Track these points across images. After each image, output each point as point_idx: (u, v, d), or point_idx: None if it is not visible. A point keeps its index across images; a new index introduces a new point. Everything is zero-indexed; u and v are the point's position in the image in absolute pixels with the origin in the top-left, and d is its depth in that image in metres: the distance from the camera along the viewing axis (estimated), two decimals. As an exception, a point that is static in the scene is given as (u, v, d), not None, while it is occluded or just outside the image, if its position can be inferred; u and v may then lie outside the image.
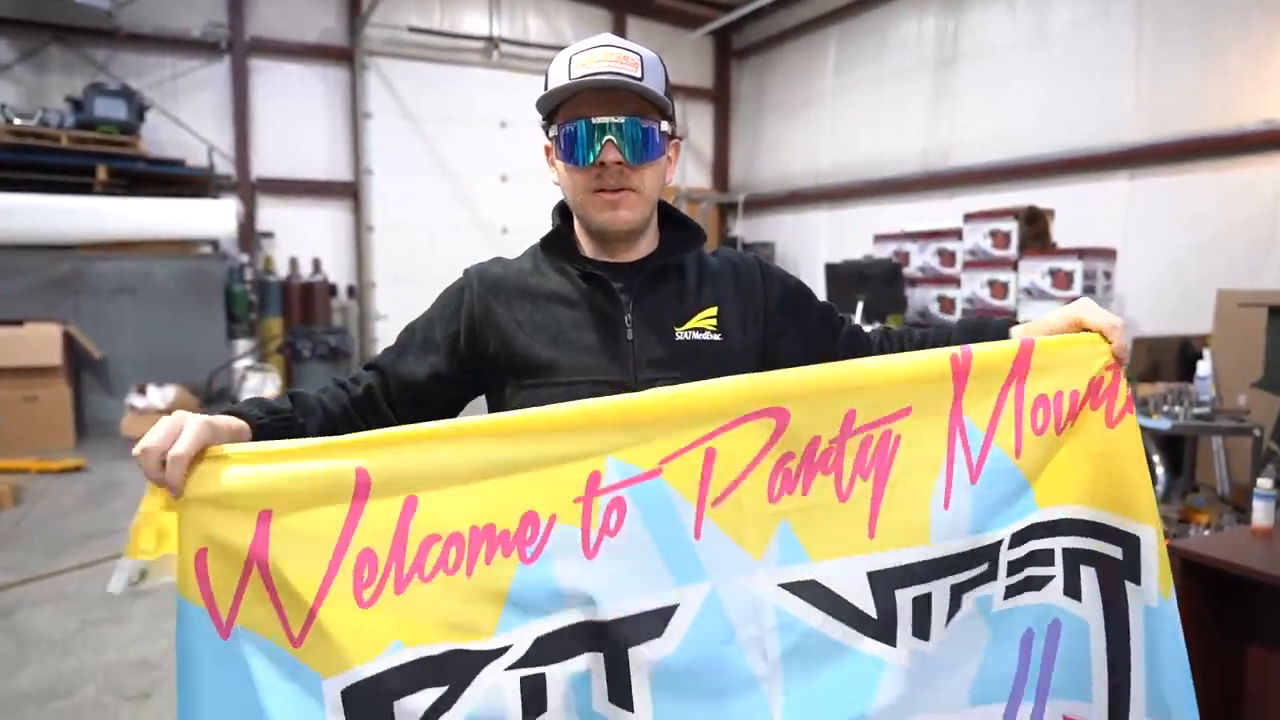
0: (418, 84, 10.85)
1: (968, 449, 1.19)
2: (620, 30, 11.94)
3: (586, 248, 1.41)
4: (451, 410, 1.43)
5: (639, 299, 1.35)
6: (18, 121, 8.32)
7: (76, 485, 6.43)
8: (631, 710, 1.06)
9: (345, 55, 10.55)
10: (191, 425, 1.05)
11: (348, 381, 1.37)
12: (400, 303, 10.85)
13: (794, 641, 1.10)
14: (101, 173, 8.40)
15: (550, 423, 1.08)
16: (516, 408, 1.25)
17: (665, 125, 1.34)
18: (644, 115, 1.30)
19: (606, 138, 1.26)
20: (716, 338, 1.36)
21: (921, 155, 9.55)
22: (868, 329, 1.55)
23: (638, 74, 1.28)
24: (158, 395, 7.52)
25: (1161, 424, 4.18)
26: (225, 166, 9.95)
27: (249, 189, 10.13)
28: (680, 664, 1.06)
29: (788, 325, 1.44)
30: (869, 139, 10.34)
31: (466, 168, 11.09)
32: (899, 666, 1.13)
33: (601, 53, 1.29)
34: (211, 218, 8.77)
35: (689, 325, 1.36)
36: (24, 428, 7.40)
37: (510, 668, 1.04)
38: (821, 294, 9.14)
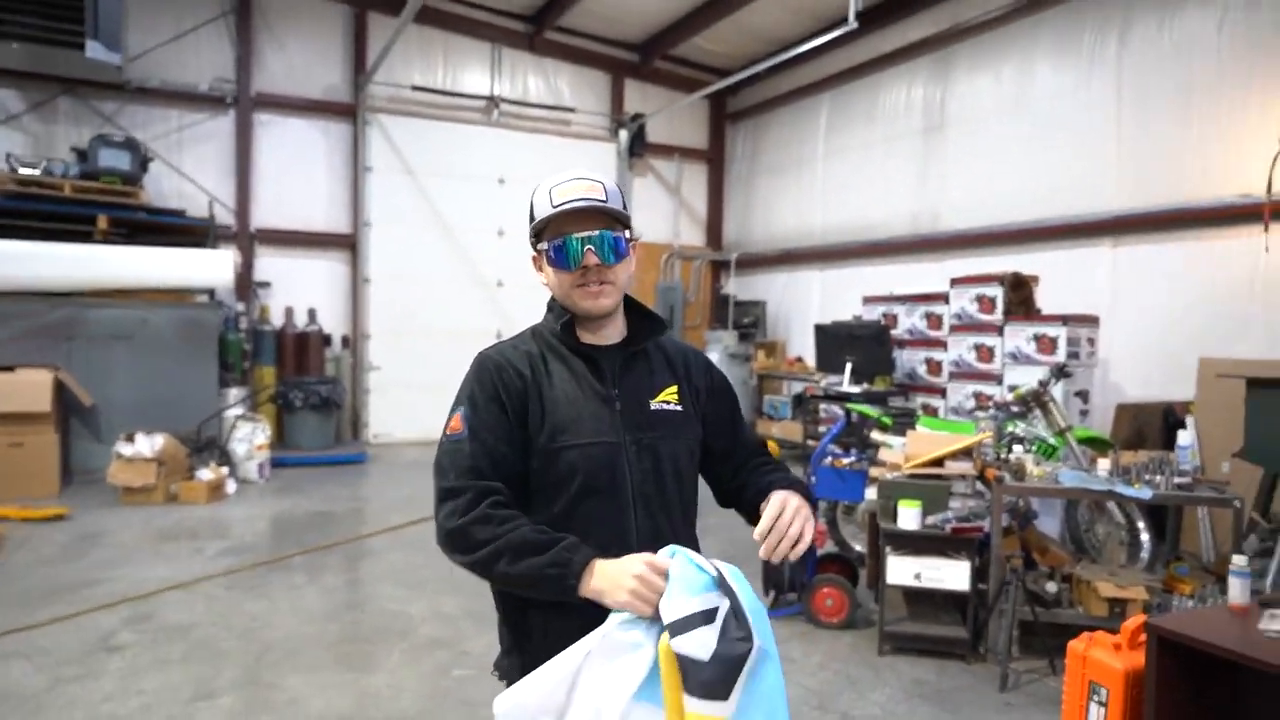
0: (418, 140, 11.03)
1: None
2: (618, 92, 12.22)
3: (578, 333, 1.75)
4: None
5: (621, 379, 1.71)
6: (23, 171, 8.40)
7: (58, 534, 6.35)
8: None
9: (348, 111, 10.74)
10: (638, 564, 1.44)
11: (491, 501, 1.57)
12: (395, 355, 10.86)
13: None
14: (102, 222, 8.47)
15: None
16: (542, 463, 1.62)
17: (628, 233, 1.70)
18: (612, 228, 1.66)
19: (587, 247, 1.62)
20: (679, 408, 1.76)
21: (910, 219, 9.69)
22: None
23: (604, 198, 1.64)
24: (146, 443, 7.45)
25: (1143, 493, 4.17)
26: (225, 217, 10.06)
27: (248, 239, 10.22)
28: None
29: (713, 408, 1.86)
30: (859, 202, 10.50)
31: (464, 222, 11.21)
32: None
33: (575, 185, 1.65)
34: (209, 267, 8.80)
35: (659, 398, 1.74)
36: (8, 474, 7.34)
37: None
38: (811, 354, 9.18)
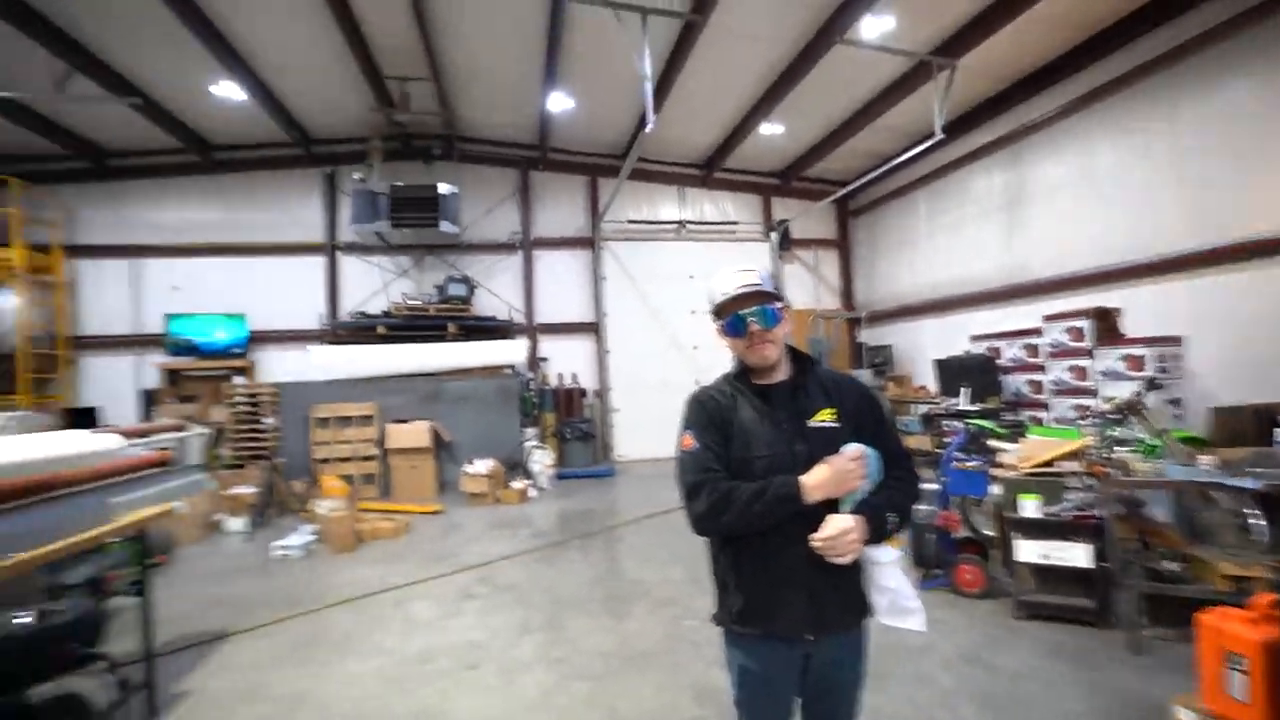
0: (634, 255, 11.42)
1: None
2: (767, 207, 12.06)
3: (753, 377, 1.74)
4: None
5: (786, 406, 1.66)
6: (409, 302, 9.68)
7: (437, 523, 6.99)
8: None
9: (589, 243, 11.38)
10: (849, 462, 1.57)
11: (721, 482, 1.60)
12: (629, 400, 11.18)
13: None
14: (451, 328, 9.47)
15: None
16: (736, 468, 1.61)
17: (779, 304, 1.67)
18: (768, 302, 1.65)
19: (751, 319, 1.64)
20: (836, 425, 1.64)
21: (1003, 273, 8.73)
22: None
23: (759, 282, 1.65)
24: (481, 465, 8.10)
25: (1249, 483, 3.42)
26: (519, 318, 10.90)
27: (533, 331, 10.99)
28: None
29: (861, 420, 1.70)
30: (956, 264, 9.61)
31: (667, 308, 11.39)
32: None
33: (739, 275, 1.66)
34: (511, 351, 9.50)
35: (816, 419, 1.64)
36: (410, 486, 8.26)
37: None
38: (933, 383, 8.39)
